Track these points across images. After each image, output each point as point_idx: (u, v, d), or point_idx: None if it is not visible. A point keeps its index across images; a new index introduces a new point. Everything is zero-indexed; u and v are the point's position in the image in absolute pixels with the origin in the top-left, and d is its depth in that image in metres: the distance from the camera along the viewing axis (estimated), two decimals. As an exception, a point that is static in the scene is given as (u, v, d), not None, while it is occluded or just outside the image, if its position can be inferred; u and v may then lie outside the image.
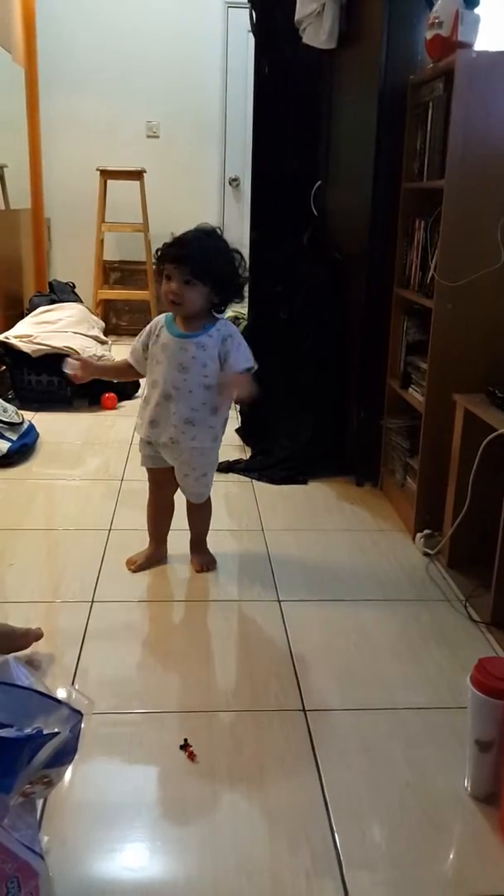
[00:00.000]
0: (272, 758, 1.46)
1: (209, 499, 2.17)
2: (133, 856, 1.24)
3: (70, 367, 2.02)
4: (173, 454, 2.05)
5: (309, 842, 1.27)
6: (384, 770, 1.44)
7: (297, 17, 2.93)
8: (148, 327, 2.05)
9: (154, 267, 1.96)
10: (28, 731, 0.92)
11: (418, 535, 2.35)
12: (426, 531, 2.32)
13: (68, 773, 1.32)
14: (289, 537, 2.42)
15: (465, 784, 1.40)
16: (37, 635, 1.72)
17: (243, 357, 1.99)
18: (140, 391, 2.03)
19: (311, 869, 1.22)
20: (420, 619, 1.97)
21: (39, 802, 1.22)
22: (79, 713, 1.03)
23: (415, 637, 1.89)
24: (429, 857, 1.25)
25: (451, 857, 1.28)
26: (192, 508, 2.18)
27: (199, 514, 2.19)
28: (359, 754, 1.47)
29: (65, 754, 1.00)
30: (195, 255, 1.88)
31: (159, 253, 1.93)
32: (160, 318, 2.03)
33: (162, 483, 2.14)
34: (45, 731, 0.94)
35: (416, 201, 2.48)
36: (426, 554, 2.30)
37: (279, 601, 2.02)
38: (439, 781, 1.41)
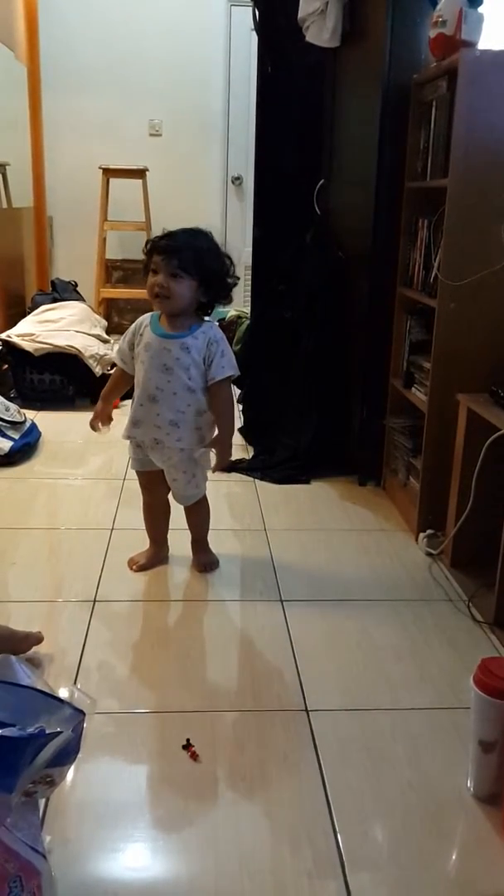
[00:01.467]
0: (274, 758, 1.46)
1: (205, 499, 2.16)
2: (135, 855, 1.24)
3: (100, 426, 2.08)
4: (161, 456, 2.04)
5: (311, 842, 1.27)
6: (386, 770, 1.43)
7: (300, 15, 2.92)
8: (133, 326, 2.02)
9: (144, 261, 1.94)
10: (31, 730, 0.92)
11: (421, 535, 2.34)
12: (429, 531, 2.32)
13: (71, 773, 1.32)
14: (291, 537, 2.42)
15: (468, 784, 1.40)
16: (37, 639, 1.71)
17: (227, 364, 1.96)
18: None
19: (313, 869, 1.22)
20: (423, 619, 1.97)
21: (42, 802, 1.22)
22: (81, 713, 1.02)
23: (417, 637, 1.88)
24: (431, 858, 1.25)
25: (454, 857, 1.27)
26: (189, 510, 2.18)
27: (197, 515, 2.19)
28: (361, 754, 1.47)
29: (67, 754, 0.99)
30: (184, 247, 1.86)
31: (148, 246, 1.91)
32: (145, 317, 2.01)
33: (152, 486, 2.13)
34: (47, 731, 0.94)
35: (419, 200, 2.47)
36: (429, 554, 2.30)
37: (282, 601, 2.02)
38: (442, 782, 1.41)
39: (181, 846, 1.26)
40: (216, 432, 2.02)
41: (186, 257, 1.85)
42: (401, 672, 1.74)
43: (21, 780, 0.91)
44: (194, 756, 1.44)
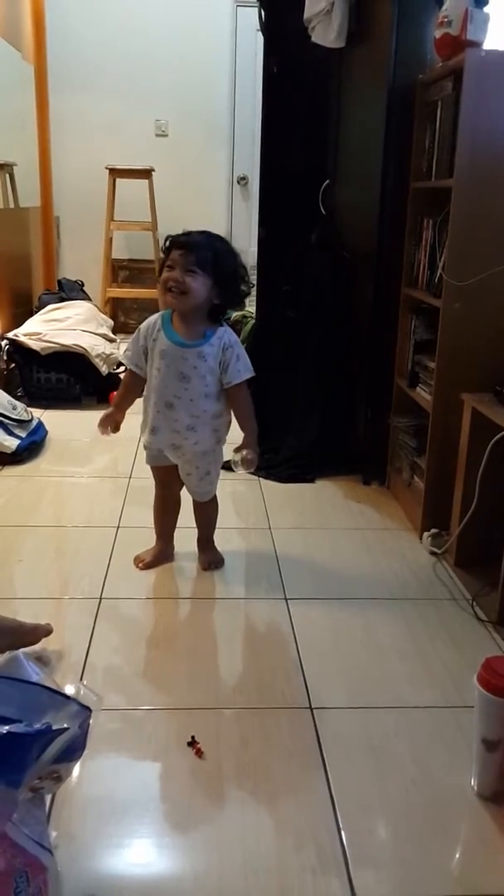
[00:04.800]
0: (279, 755, 1.46)
1: (215, 497, 2.18)
2: (140, 852, 1.25)
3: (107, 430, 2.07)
4: (176, 454, 2.06)
5: (315, 839, 1.27)
6: (390, 768, 1.44)
7: (305, 15, 2.93)
8: (143, 328, 2.00)
9: (161, 259, 1.93)
10: (37, 726, 0.93)
11: (425, 534, 2.35)
12: (433, 530, 2.33)
13: (76, 769, 1.33)
14: (296, 536, 2.43)
15: (472, 783, 1.40)
16: (46, 631, 1.73)
17: (243, 368, 1.97)
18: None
19: (317, 866, 1.22)
20: (427, 618, 1.97)
21: (48, 798, 1.23)
22: (87, 709, 1.03)
23: (421, 636, 1.89)
24: (435, 856, 1.26)
25: (457, 855, 1.28)
26: (198, 507, 2.19)
27: (206, 513, 2.20)
28: (365, 752, 1.48)
29: (73, 750, 1.00)
30: (203, 245, 1.87)
31: (168, 242, 1.90)
32: (155, 319, 1.98)
33: (167, 480, 2.15)
34: (54, 727, 0.95)
35: (424, 200, 2.48)
36: (433, 553, 2.30)
37: (286, 599, 2.03)
38: (445, 780, 1.42)
39: (186, 843, 1.27)
40: (243, 436, 2.02)
41: (203, 255, 1.85)
42: (405, 670, 1.74)
43: (28, 776, 0.92)
44: (199, 753, 1.45)
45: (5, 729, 0.87)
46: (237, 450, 2.01)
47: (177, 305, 1.92)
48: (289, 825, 1.30)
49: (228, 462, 2.04)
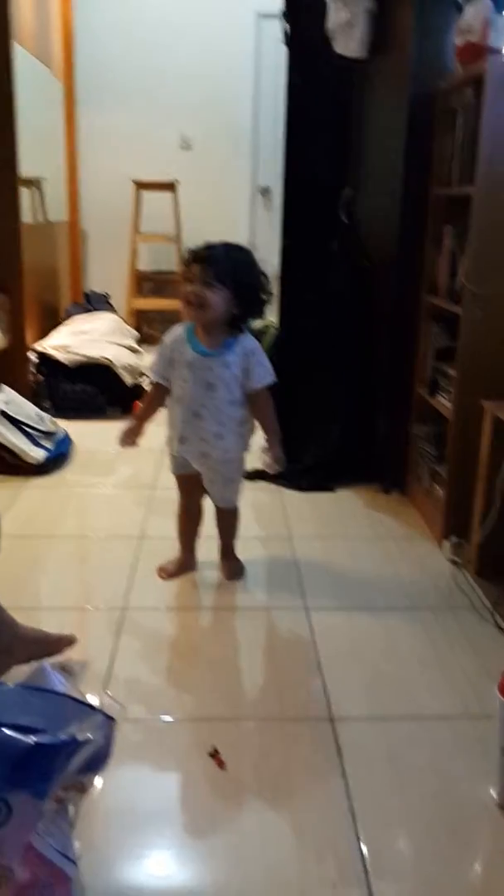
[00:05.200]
0: (299, 766, 1.47)
1: (237, 506, 2.20)
2: (162, 863, 1.26)
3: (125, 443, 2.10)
4: (203, 462, 2.08)
5: (335, 851, 1.28)
6: (411, 779, 1.44)
7: (328, 26, 2.95)
8: (167, 340, 2.04)
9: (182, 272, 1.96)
10: (63, 736, 0.95)
11: (445, 542, 2.34)
12: (453, 539, 2.32)
13: (99, 779, 1.35)
14: (316, 544, 2.44)
15: (493, 794, 1.40)
16: (70, 641, 1.75)
17: (265, 373, 2.01)
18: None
19: (337, 878, 1.23)
20: (447, 627, 1.97)
21: (72, 809, 1.25)
22: (112, 719, 1.05)
23: (442, 645, 1.89)
24: (455, 868, 1.26)
25: (478, 867, 1.28)
26: (220, 516, 2.21)
27: (227, 522, 2.22)
28: (385, 764, 1.48)
29: (98, 761, 1.02)
30: (221, 258, 1.89)
31: (188, 255, 1.94)
32: (179, 331, 2.02)
33: (191, 489, 2.17)
34: (79, 738, 0.96)
35: (444, 207, 2.48)
36: (453, 562, 2.30)
37: (307, 608, 2.04)
38: (467, 791, 1.42)
39: (207, 854, 1.28)
40: (268, 443, 2.07)
41: (222, 268, 1.88)
42: (425, 680, 1.74)
43: (53, 787, 0.94)
44: (221, 764, 1.46)
45: (32, 740, 0.89)
46: (265, 450, 2.07)
47: (197, 318, 1.95)
48: (309, 837, 1.31)
49: (262, 470, 2.10)
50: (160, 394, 2.08)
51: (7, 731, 0.88)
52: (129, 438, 2.10)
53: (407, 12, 2.54)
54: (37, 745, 0.89)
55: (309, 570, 2.26)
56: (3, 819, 0.88)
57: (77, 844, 1.24)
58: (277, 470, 2.11)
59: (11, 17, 3.39)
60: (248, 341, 2.00)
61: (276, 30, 3.47)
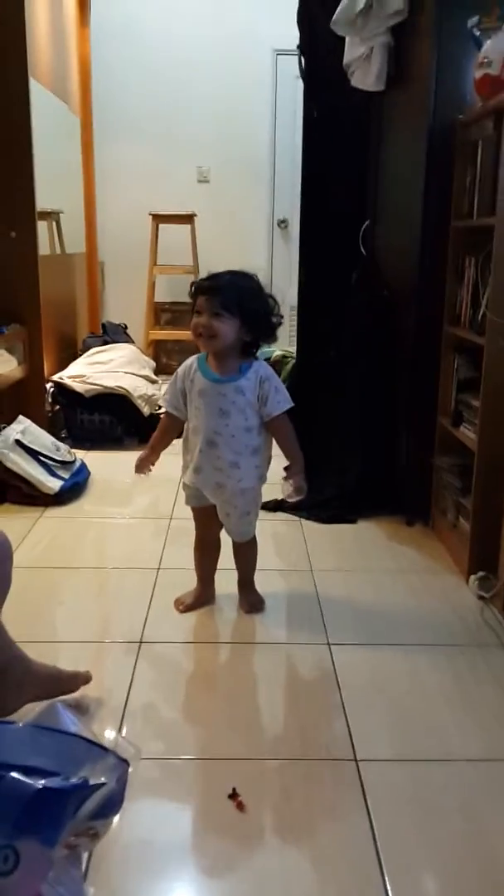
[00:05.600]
0: (322, 809, 1.41)
1: (255, 538, 2.15)
2: (180, 909, 1.21)
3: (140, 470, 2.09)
4: (218, 493, 2.04)
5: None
6: (439, 823, 1.38)
7: (345, 61, 2.97)
8: (180, 371, 2.03)
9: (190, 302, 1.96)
10: (74, 780, 0.90)
11: (472, 577, 2.28)
12: (480, 573, 2.26)
13: (116, 820, 1.30)
14: (338, 578, 2.38)
15: (526, 842, 1.33)
16: (86, 679, 1.70)
17: (282, 399, 1.98)
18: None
19: (363, 929, 1.17)
20: (475, 664, 1.91)
21: (85, 855, 1.20)
22: (125, 762, 1.01)
23: (470, 684, 1.82)
24: (488, 921, 1.19)
25: (512, 920, 1.21)
26: (237, 549, 2.17)
27: (245, 554, 2.18)
28: (413, 806, 1.42)
29: (111, 806, 0.98)
30: (225, 287, 1.88)
31: (193, 288, 1.94)
32: (192, 362, 2.02)
33: (206, 521, 2.14)
34: (91, 781, 0.92)
35: (466, 239, 2.46)
36: (481, 597, 2.23)
37: (329, 644, 1.98)
38: (498, 836, 1.35)
39: (226, 900, 1.22)
40: (289, 470, 2.03)
41: (228, 297, 1.87)
42: (453, 720, 1.68)
43: (63, 834, 0.89)
44: (240, 806, 1.40)
45: (41, 783, 0.84)
46: (286, 478, 2.03)
47: (208, 348, 1.95)
48: (333, 882, 1.25)
49: (282, 501, 2.06)
50: (172, 424, 2.08)
51: (15, 776, 0.84)
52: (144, 466, 2.09)
53: (425, 46, 2.55)
54: (45, 789, 0.85)
55: (330, 603, 2.21)
56: (11, 867, 0.84)
57: (91, 891, 1.20)
58: (298, 499, 2.06)
59: (29, 54, 3.45)
60: (261, 367, 1.98)
61: (292, 65, 3.52)
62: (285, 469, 2.03)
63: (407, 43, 2.74)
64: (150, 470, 2.10)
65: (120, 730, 1.62)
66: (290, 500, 2.06)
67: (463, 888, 1.25)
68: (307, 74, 3.22)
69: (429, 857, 1.31)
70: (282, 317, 1.98)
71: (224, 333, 1.89)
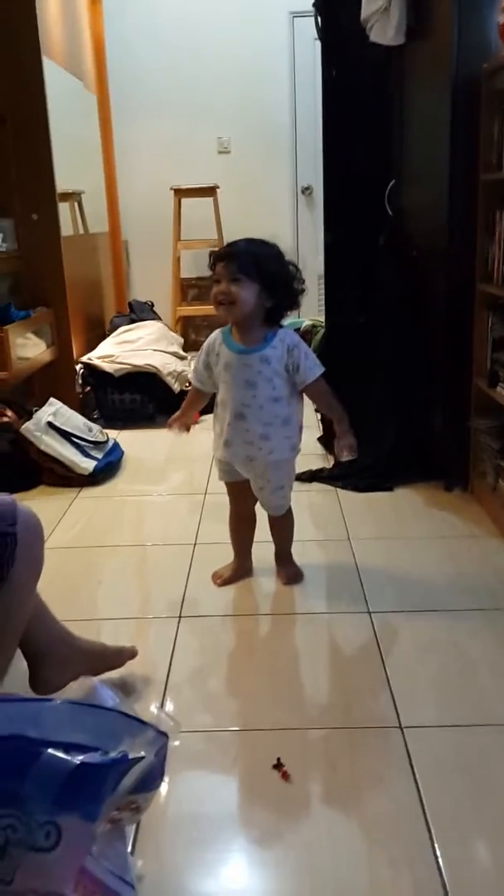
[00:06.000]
0: (369, 777, 1.40)
1: (290, 511, 2.13)
2: (229, 879, 1.21)
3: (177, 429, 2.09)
4: (247, 467, 2.02)
5: (412, 868, 1.20)
6: (489, 790, 1.35)
7: (362, 16, 2.87)
8: (205, 346, 2.01)
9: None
10: (113, 755, 0.89)
11: (514, 539, 2.24)
12: (523, 535, 2.21)
13: (162, 792, 1.30)
14: (377, 546, 2.35)
15: None
16: (131, 653, 1.70)
17: (313, 364, 1.95)
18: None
19: (413, 892, 1.15)
20: (520, 628, 1.87)
21: (130, 828, 1.20)
22: (165, 735, 1.00)
23: (515, 648, 1.79)
24: (543, 886, 1.17)
25: None
26: (273, 521, 2.15)
27: (281, 526, 2.15)
28: (460, 774, 1.39)
29: (152, 779, 0.97)
30: (242, 252, 1.86)
31: (212, 258, 1.91)
32: (216, 335, 1.99)
33: (241, 495, 2.12)
34: (130, 755, 0.91)
35: (495, 193, 2.38)
36: (524, 559, 2.19)
37: (370, 613, 1.96)
38: (550, 803, 1.32)
39: (276, 869, 1.22)
40: (337, 431, 2.02)
41: (245, 261, 1.85)
42: (498, 686, 1.65)
43: (105, 808, 0.89)
44: (285, 776, 1.39)
45: (79, 759, 0.83)
46: (335, 439, 2.02)
47: (229, 316, 1.91)
48: (382, 852, 1.24)
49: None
50: (198, 397, 2.09)
51: (53, 752, 0.83)
52: (175, 422, 2.09)
53: (446, -7, 2.46)
54: (84, 764, 0.84)
55: (370, 572, 2.18)
56: (53, 843, 0.83)
57: (140, 863, 1.20)
58: (350, 458, 2.02)
59: (41, 32, 3.41)
60: (288, 336, 1.94)
61: (309, 27, 3.42)
62: (332, 431, 2.00)
63: (426, -8, 2.65)
64: (184, 429, 2.10)
65: (163, 704, 1.62)
66: (343, 459, 2.04)
67: (516, 853, 1.22)
68: (324, 33, 3.13)
69: (480, 824, 1.28)
70: (304, 282, 1.94)
71: (244, 299, 1.85)
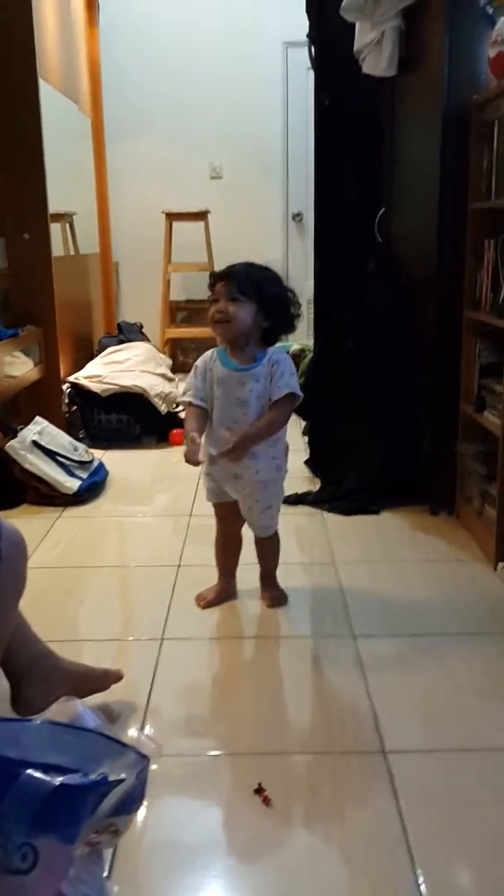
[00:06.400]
0: (351, 803, 1.38)
1: (277, 533, 2.12)
2: (207, 907, 1.18)
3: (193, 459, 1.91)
4: (236, 487, 2.01)
5: (393, 892, 1.18)
6: (471, 816, 1.34)
7: (356, 47, 2.92)
8: (200, 362, 1.98)
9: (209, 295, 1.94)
10: (93, 777, 0.87)
11: (500, 564, 2.24)
12: (508, 561, 2.21)
13: (140, 817, 1.28)
14: (362, 570, 2.34)
15: None
16: (117, 676, 1.66)
17: (284, 384, 1.91)
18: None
19: (397, 926, 1.13)
20: (505, 654, 1.86)
21: (108, 851, 1.17)
22: (145, 758, 0.98)
23: (500, 672, 1.78)
24: (526, 916, 1.15)
25: (552, 916, 1.17)
26: (260, 542, 2.14)
27: (268, 549, 2.14)
28: (444, 799, 1.38)
29: (131, 802, 0.95)
30: (242, 273, 1.89)
31: (211, 279, 1.93)
32: (211, 352, 1.99)
33: (228, 517, 2.10)
34: (110, 778, 0.89)
35: (484, 221, 2.41)
36: (509, 585, 2.19)
37: (354, 636, 1.94)
38: (534, 831, 1.31)
39: (255, 892, 1.19)
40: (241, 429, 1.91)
41: (244, 281, 1.87)
42: (484, 710, 1.64)
43: (83, 831, 0.87)
44: (266, 801, 1.37)
45: (58, 780, 0.81)
46: (230, 431, 1.92)
47: (225, 334, 1.92)
48: (364, 876, 1.21)
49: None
50: (197, 411, 1.97)
51: (32, 773, 0.81)
52: (193, 454, 1.90)
53: (437, 27, 2.50)
54: (63, 785, 0.82)
55: (355, 596, 2.17)
56: (30, 865, 0.81)
57: (116, 888, 1.17)
58: (224, 456, 1.91)
59: (37, 55, 3.44)
60: (276, 353, 1.95)
61: (303, 57, 3.48)
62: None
63: (418, 25, 2.70)
64: (200, 459, 1.94)
65: (143, 727, 1.59)
66: (210, 448, 1.93)
67: (499, 881, 1.20)
68: (318, 63, 3.18)
69: (462, 850, 1.27)
70: (300, 306, 1.95)
71: (241, 318, 1.86)
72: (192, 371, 2.01)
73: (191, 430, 1.93)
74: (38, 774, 0.86)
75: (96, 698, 1.62)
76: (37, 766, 0.89)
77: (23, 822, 0.84)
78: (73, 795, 0.84)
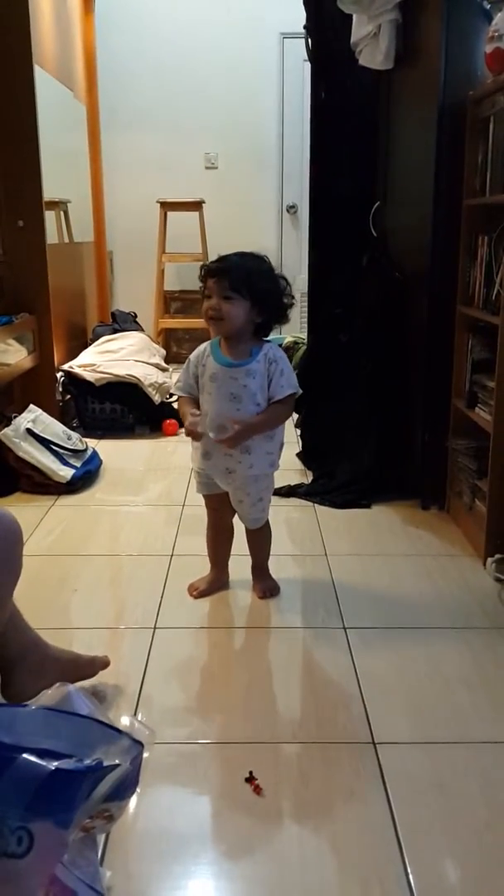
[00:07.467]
0: (340, 793, 1.40)
1: (268, 523, 2.13)
2: (199, 892, 1.20)
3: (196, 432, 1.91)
4: (227, 480, 2.02)
5: (382, 883, 1.20)
6: (461, 808, 1.36)
7: (352, 40, 2.92)
8: (193, 356, 2.00)
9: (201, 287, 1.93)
10: (88, 762, 0.89)
11: (489, 559, 2.26)
12: (497, 556, 2.23)
13: (132, 805, 1.29)
14: (353, 562, 2.36)
15: (549, 825, 1.31)
16: (103, 663, 1.69)
17: (286, 383, 1.93)
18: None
19: (384, 912, 1.15)
20: (494, 647, 1.88)
21: (101, 837, 1.19)
22: (140, 744, 0.99)
23: (489, 666, 1.80)
24: (511, 904, 1.17)
25: (536, 904, 1.19)
26: (251, 534, 2.15)
27: (259, 540, 2.15)
28: (433, 791, 1.40)
29: (125, 788, 0.96)
30: (234, 269, 1.86)
31: (202, 271, 1.91)
32: (205, 346, 1.99)
33: (218, 507, 2.12)
34: (105, 763, 0.90)
35: (478, 217, 2.42)
36: (498, 580, 2.21)
37: (345, 629, 1.96)
38: (520, 821, 1.33)
39: (245, 883, 1.21)
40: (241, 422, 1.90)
41: (237, 278, 1.85)
42: (473, 703, 1.66)
43: (78, 816, 0.88)
44: (257, 790, 1.39)
45: (54, 765, 0.83)
46: (226, 421, 1.90)
47: (219, 331, 1.93)
48: (353, 867, 1.23)
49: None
50: (189, 399, 2.00)
51: (27, 757, 0.83)
52: (195, 428, 1.90)
53: (434, 21, 2.50)
54: (58, 770, 0.83)
55: (346, 588, 2.18)
56: (25, 849, 0.82)
57: (108, 874, 1.18)
58: (218, 436, 1.88)
59: (33, 41, 3.42)
60: (272, 350, 1.95)
61: (299, 49, 3.47)
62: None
63: (415, 19, 2.70)
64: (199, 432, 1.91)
65: (135, 714, 1.61)
66: (209, 431, 1.89)
67: (486, 875, 1.22)
68: (314, 55, 3.18)
69: (450, 842, 1.29)
70: (293, 297, 1.95)
71: (234, 315, 1.86)
72: (185, 365, 2.03)
73: (188, 409, 1.96)
74: (33, 759, 0.87)
75: (85, 685, 1.63)
76: (32, 751, 0.90)
77: (18, 806, 0.85)
78: (69, 780, 0.85)
